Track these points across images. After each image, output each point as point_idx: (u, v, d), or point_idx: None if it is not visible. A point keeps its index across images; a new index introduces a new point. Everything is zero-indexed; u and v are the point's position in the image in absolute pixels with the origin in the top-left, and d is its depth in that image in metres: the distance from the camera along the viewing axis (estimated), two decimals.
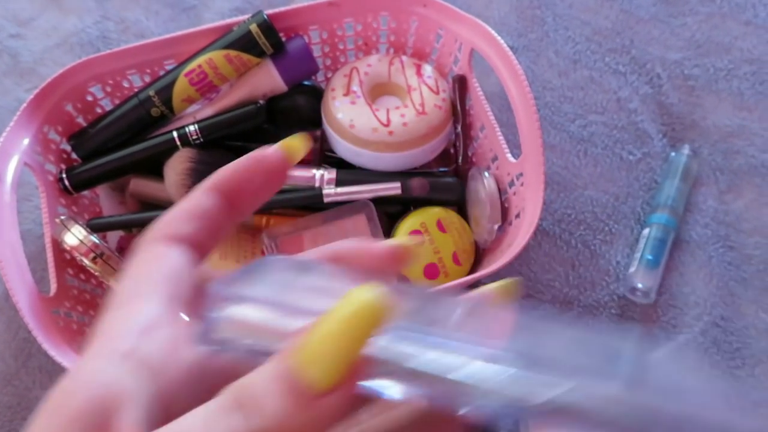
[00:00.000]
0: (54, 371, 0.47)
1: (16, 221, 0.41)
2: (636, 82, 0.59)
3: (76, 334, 0.42)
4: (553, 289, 0.51)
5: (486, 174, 0.49)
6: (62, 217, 0.44)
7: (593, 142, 0.56)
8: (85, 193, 0.50)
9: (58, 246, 0.43)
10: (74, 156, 0.50)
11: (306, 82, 0.52)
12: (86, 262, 0.43)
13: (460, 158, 0.51)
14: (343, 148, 0.49)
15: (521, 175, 0.46)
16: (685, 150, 0.56)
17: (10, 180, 0.42)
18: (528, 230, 0.43)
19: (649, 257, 0.51)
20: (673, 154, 0.56)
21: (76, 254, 0.43)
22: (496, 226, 0.48)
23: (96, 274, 0.44)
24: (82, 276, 0.46)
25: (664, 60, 0.60)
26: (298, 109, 0.52)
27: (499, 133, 0.48)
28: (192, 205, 0.21)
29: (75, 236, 0.43)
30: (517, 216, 0.46)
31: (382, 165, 0.50)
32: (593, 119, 0.57)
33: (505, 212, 0.48)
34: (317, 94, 0.52)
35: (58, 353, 0.37)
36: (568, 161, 0.56)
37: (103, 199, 0.52)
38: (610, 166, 0.56)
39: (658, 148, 0.57)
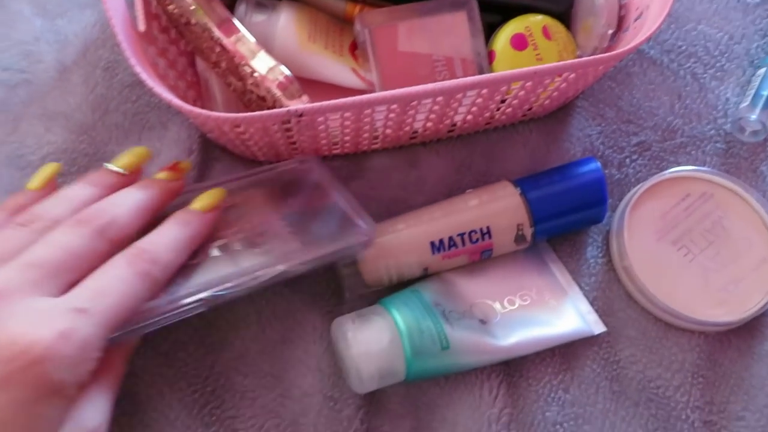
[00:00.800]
0: (130, 130, 0.45)
1: None
2: None
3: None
4: (656, 117, 0.48)
5: None
6: None
7: None
8: None
9: None
10: None
11: None
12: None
13: None
14: None
15: None
16: None
17: None
18: (652, 25, 0.40)
19: (764, 93, 0.47)
20: None
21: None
22: (610, 32, 0.44)
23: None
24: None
25: None
26: None
27: None
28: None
29: None
30: (637, 18, 0.43)
31: None
32: None
33: (621, 18, 0.45)
34: None
35: (156, 86, 0.35)
36: None
37: None
38: (726, 5, 0.52)
39: None
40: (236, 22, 0.42)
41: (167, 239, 0.32)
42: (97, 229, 0.30)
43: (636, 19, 0.43)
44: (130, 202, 0.32)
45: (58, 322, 0.26)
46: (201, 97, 0.45)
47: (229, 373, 0.38)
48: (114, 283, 0.29)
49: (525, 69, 0.37)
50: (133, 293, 0.29)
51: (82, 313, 0.27)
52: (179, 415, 0.37)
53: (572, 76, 0.40)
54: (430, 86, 0.35)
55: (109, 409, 0.30)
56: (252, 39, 0.41)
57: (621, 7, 0.45)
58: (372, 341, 0.37)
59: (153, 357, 0.38)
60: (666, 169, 0.45)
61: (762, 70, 0.49)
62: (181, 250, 0.32)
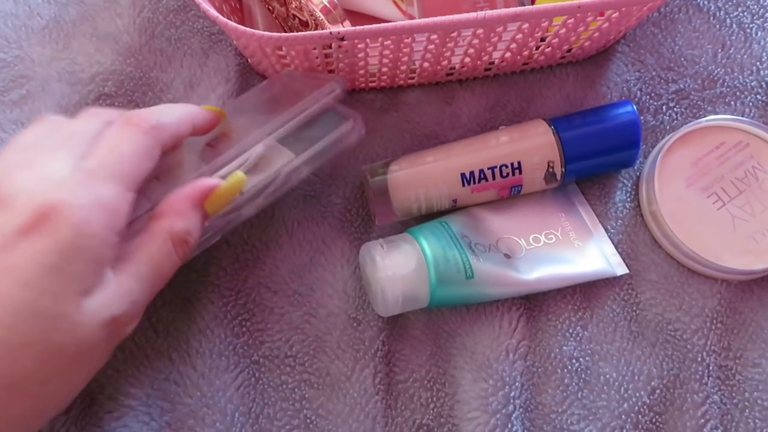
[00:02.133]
0: (173, 56, 0.46)
1: None
2: None
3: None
4: (698, 65, 0.47)
5: None
6: None
7: None
8: None
9: None
10: None
11: None
12: None
13: None
14: None
15: None
16: None
17: None
18: None
19: None
20: None
21: None
22: None
23: None
24: None
25: None
26: None
27: None
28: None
29: None
30: None
31: None
32: None
33: None
34: None
35: (204, 1, 0.36)
36: None
37: None
38: None
39: None
40: None
41: (169, 109, 0.33)
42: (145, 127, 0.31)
43: None
44: (179, 109, 0.34)
45: (82, 188, 0.28)
46: (243, 23, 0.46)
47: (259, 289, 0.40)
48: (123, 145, 0.30)
49: (569, 2, 0.37)
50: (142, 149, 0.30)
51: (93, 175, 0.28)
52: (209, 325, 0.39)
53: (615, 14, 0.40)
54: (471, 15, 0.36)
55: (137, 302, 0.30)
56: None
57: None
58: (399, 266, 0.38)
59: (186, 273, 0.40)
60: (703, 117, 0.45)
61: None
62: (185, 121, 0.33)
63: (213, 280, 0.40)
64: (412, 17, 0.45)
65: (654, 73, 0.47)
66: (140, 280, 0.29)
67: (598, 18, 0.40)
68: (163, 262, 0.30)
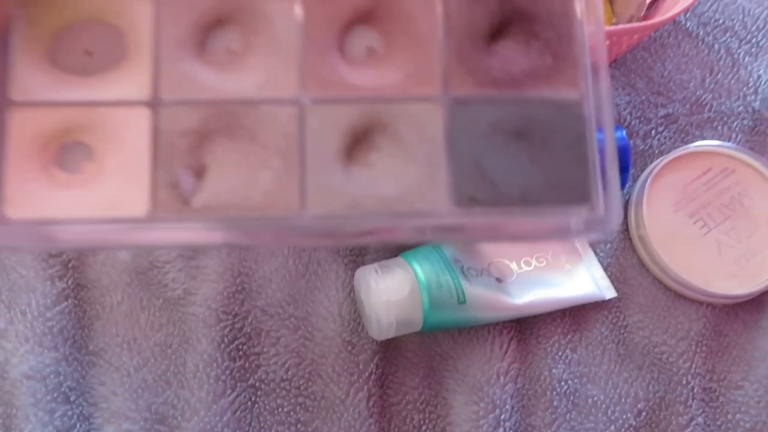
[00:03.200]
0: None
1: None
2: None
3: None
4: (686, 90, 0.48)
5: None
6: None
7: None
8: None
9: None
10: None
11: None
12: None
13: None
14: None
15: None
16: None
17: None
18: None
19: None
20: None
21: None
22: (648, 0, 0.45)
23: None
24: None
25: None
26: None
27: None
28: None
29: None
30: None
31: None
32: None
33: None
34: None
35: None
36: None
37: None
38: None
39: None
40: None
41: None
42: None
43: None
44: None
45: None
46: None
47: (256, 313, 0.41)
48: None
49: None
50: None
51: None
52: (207, 349, 0.40)
53: (606, 43, 0.40)
54: None
55: None
56: None
57: None
58: (393, 291, 0.39)
59: (184, 297, 0.41)
60: (691, 142, 0.46)
61: None
62: None
63: (211, 305, 0.40)
64: None
65: (644, 97, 0.48)
66: None
67: None
68: None
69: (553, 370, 0.41)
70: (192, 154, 0.19)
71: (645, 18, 0.45)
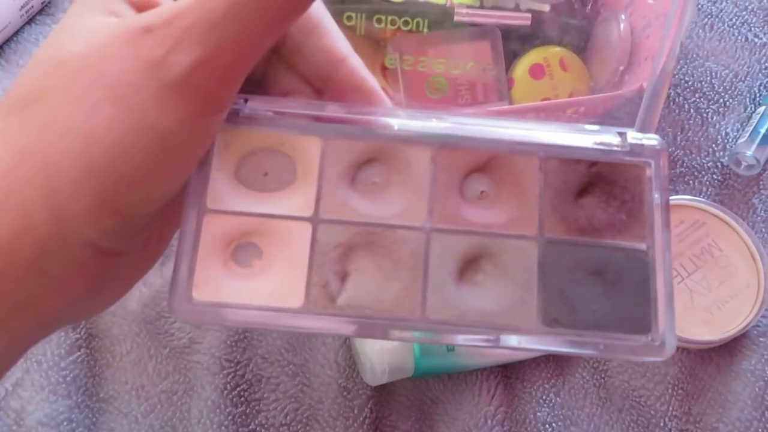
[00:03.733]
0: None
1: None
2: None
3: None
4: None
5: (622, 16, 0.49)
6: None
7: (721, 19, 0.56)
8: None
9: None
10: None
11: None
12: None
13: (590, 4, 0.52)
14: None
15: (660, 15, 0.46)
16: None
17: None
18: (659, 67, 0.43)
19: (761, 130, 0.51)
20: None
21: None
22: (621, 68, 0.48)
23: None
24: None
25: None
26: None
27: None
28: None
29: None
30: (647, 58, 0.47)
31: None
32: None
33: (632, 56, 0.49)
34: None
35: None
36: (692, 32, 0.55)
37: None
38: (734, 44, 0.55)
39: None
40: None
41: None
42: None
43: (646, 59, 0.47)
44: None
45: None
46: None
47: (257, 361, 0.43)
48: None
49: (536, 104, 0.41)
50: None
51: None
52: (210, 395, 0.42)
53: (582, 109, 0.44)
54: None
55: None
56: None
57: (633, 46, 0.49)
58: (386, 340, 0.41)
59: (189, 345, 0.43)
60: None
61: (762, 108, 0.52)
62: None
63: (214, 353, 0.43)
64: (399, 103, 0.49)
65: None
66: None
67: (567, 110, 0.44)
68: None
69: (538, 414, 0.44)
70: (340, 263, 0.23)
71: (619, 83, 0.49)
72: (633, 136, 0.26)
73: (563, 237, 0.24)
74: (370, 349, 0.41)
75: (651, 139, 0.26)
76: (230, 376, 0.43)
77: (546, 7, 0.49)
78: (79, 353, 0.42)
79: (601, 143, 0.25)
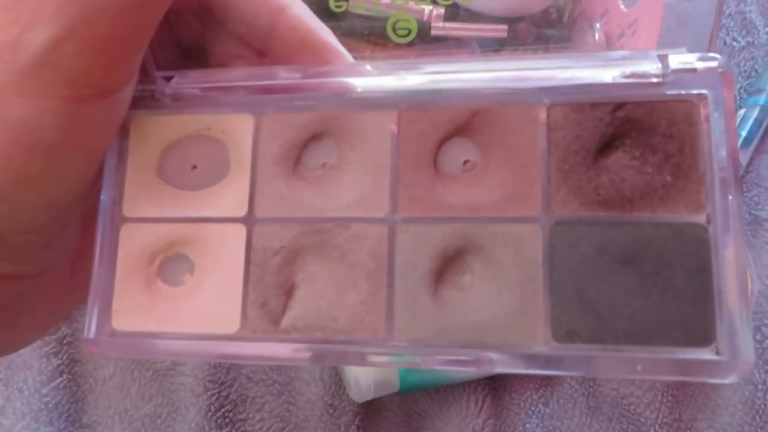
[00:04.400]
0: None
1: None
2: None
3: None
4: None
5: (597, 25, 0.49)
6: None
7: None
8: None
9: None
10: None
11: None
12: None
13: (566, 15, 0.52)
14: None
15: (634, 23, 0.46)
16: None
17: None
18: None
19: (742, 133, 0.51)
20: None
21: None
22: None
23: None
24: None
25: None
26: None
27: None
28: None
29: None
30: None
31: (488, 8, 0.50)
32: None
33: None
34: None
35: None
36: None
37: None
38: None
39: (763, 40, 0.56)
40: None
41: None
42: None
43: None
44: None
45: None
46: None
47: (241, 381, 0.43)
48: None
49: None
50: None
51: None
52: (195, 417, 0.42)
53: None
54: None
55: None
56: None
57: None
58: None
59: (172, 367, 0.43)
60: None
61: (742, 111, 0.52)
62: None
63: (198, 374, 0.43)
64: None
65: None
66: None
67: None
68: None
69: (527, 425, 0.43)
70: (282, 273, 0.19)
71: None
72: (681, 59, 0.18)
73: (579, 214, 0.17)
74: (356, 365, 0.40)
75: (709, 60, 0.18)
76: (214, 397, 0.42)
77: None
78: (61, 379, 0.42)
79: (632, 74, 0.18)
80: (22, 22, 0.16)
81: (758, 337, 0.46)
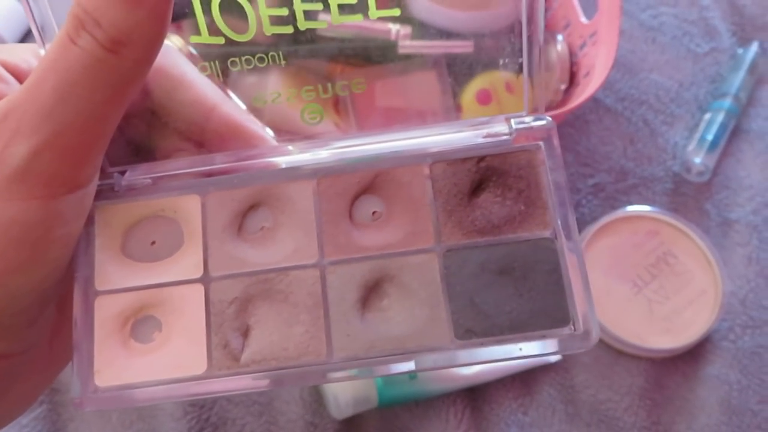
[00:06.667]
0: None
1: None
2: None
3: None
4: (610, 160, 0.52)
5: (559, 37, 0.50)
6: None
7: (662, 32, 0.57)
8: None
9: None
10: None
11: None
12: None
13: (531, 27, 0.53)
14: (418, 4, 0.51)
15: (594, 34, 0.47)
16: (754, 47, 0.56)
17: None
18: (597, 82, 0.44)
19: (708, 138, 0.52)
20: (740, 50, 0.57)
21: None
22: (563, 86, 0.49)
23: None
24: None
25: None
26: None
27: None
28: None
29: None
30: (586, 75, 0.48)
31: (453, 24, 0.51)
32: (664, 11, 0.58)
33: (573, 75, 0.50)
34: None
35: None
36: (636, 46, 0.57)
37: None
38: (676, 55, 0.57)
39: (727, 44, 0.57)
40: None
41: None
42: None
43: (585, 76, 0.48)
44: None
45: None
46: None
47: (221, 403, 0.43)
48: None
49: None
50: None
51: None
52: None
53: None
54: None
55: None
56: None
57: (572, 64, 0.50)
58: None
59: None
60: (619, 208, 0.50)
61: (708, 115, 0.53)
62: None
63: None
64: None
65: (573, 170, 0.52)
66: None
67: None
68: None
69: None
70: (238, 318, 0.23)
71: (562, 102, 0.50)
72: (518, 120, 0.24)
73: (462, 242, 0.23)
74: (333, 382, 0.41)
75: (539, 120, 0.24)
76: (194, 421, 0.42)
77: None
78: (41, 409, 0.42)
79: (488, 134, 0.25)
80: (5, 138, 0.19)
81: (732, 337, 0.46)
